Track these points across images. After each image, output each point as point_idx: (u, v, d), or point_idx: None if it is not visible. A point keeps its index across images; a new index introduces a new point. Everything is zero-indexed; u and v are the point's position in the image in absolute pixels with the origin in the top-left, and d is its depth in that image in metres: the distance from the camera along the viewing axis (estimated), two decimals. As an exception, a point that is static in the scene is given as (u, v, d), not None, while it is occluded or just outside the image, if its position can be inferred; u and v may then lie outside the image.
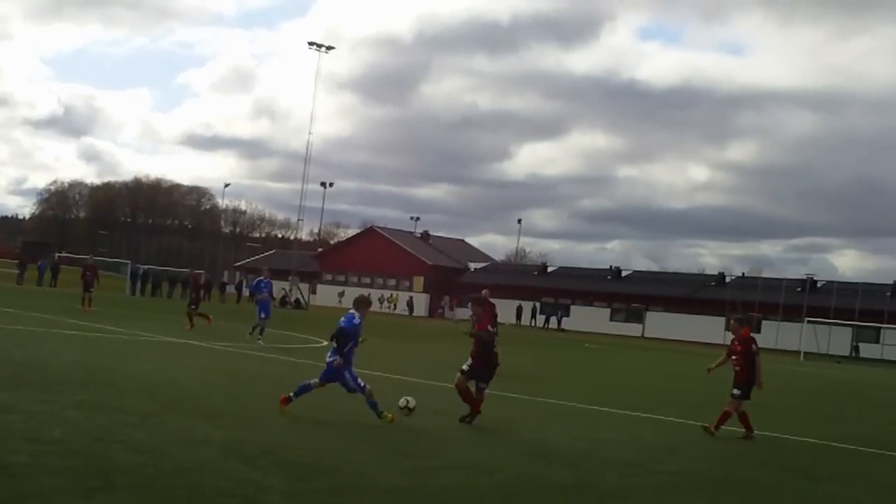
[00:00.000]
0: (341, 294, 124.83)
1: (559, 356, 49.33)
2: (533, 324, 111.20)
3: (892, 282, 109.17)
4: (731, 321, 21.24)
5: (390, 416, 16.61)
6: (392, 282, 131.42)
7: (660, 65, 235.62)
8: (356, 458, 13.31)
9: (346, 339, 16.49)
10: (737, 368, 20.07)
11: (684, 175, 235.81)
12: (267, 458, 12.63)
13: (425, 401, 18.30)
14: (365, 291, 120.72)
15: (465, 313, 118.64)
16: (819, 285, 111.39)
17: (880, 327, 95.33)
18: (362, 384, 16.60)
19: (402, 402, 17.05)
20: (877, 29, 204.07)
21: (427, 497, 11.23)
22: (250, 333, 35.73)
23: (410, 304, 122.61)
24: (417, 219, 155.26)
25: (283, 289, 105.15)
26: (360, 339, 17.12)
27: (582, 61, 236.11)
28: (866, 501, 13.58)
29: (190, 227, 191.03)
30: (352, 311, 17.18)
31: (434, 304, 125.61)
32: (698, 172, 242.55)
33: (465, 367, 18.16)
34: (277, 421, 16.19)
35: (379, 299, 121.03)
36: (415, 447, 14.85)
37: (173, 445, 13.02)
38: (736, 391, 19.83)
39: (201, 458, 12.27)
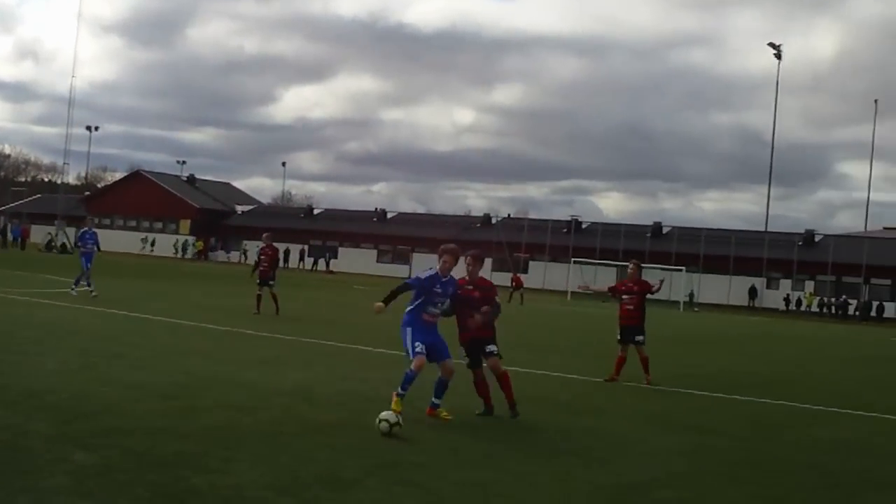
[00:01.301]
0: (145, 240, 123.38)
1: (327, 298, 49.38)
2: (301, 266, 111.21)
3: (651, 223, 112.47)
4: (631, 264, 21.91)
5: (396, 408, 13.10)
6: (159, 225, 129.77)
7: (427, 8, 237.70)
8: (121, 401, 13.08)
9: (404, 289, 13.79)
10: (630, 308, 20.77)
11: (451, 118, 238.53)
12: (29, 403, 12.34)
13: (193, 342, 18.15)
14: (174, 237, 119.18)
15: (234, 256, 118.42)
16: (584, 226, 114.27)
17: (642, 267, 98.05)
18: (414, 352, 13.52)
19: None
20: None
21: (189, 436, 11.10)
22: (76, 285, 34.58)
23: (183, 247, 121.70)
24: (184, 162, 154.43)
25: (49, 233, 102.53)
26: (440, 306, 14.07)
27: (349, 4, 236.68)
28: (621, 429, 14.04)
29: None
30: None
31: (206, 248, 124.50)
32: (465, 115, 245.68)
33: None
34: (42, 366, 15.85)
35: (143, 240, 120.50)
36: (180, 389, 14.71)
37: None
38: (639, 337, 20.65)
39: (-43, 405, 11.95)
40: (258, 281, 32.65)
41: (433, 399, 13.96)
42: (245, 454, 10.36)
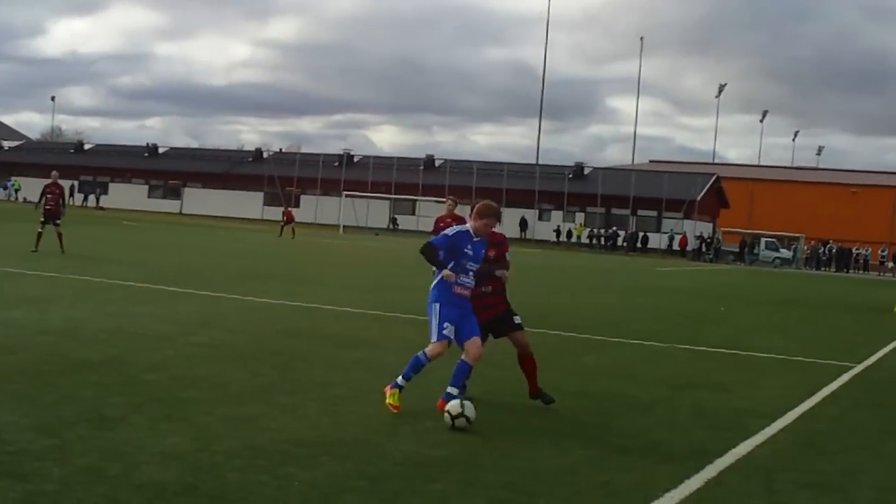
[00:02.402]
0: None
1: (96, 234, 48.39)
2: (72, 202, 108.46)
3: (424, 156, 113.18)
4: (449, 200, 22.87)
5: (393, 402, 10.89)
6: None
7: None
8: None
9: (432, 252, 11.05)
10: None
11: (225, 52, 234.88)
12: None
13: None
14: None
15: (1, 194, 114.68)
16: (356, 160, 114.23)
17: (416, 199, 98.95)
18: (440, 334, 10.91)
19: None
20: None
21: (-52, 380, 10.82)
22: None
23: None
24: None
25: None
26: (472, 275, 11.28)
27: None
28: (392, 361, 14.16)
29: None
30: None
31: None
32: (240, 50, 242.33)
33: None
34: None
35: None
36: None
37: None
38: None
39: None
40: (42, 219, 31.86)
41: (449, 388, 10.76)
42: (6, 395, 10.07)
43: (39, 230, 31.30)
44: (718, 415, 12.06)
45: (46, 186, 32.35)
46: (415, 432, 9.90)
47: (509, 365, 12.72)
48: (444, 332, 10.78)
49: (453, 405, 10.21)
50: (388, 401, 10.66)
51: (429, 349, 10.86)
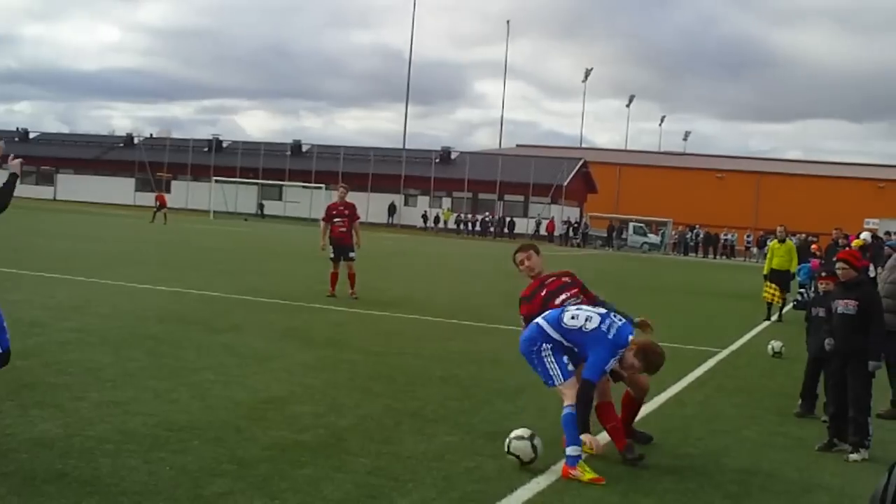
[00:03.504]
0: None
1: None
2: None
3: (291, 141, 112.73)
4: (340, 187, 24.31)
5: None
6: None
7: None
8: None
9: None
10: (342, 230, 22.93)
11: (95, 35, 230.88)
12: None
13: None
14: None
15: None
16: (225, 145, 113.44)
17: (282, 185, 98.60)
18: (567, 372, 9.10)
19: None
20: None
21: None
22: None
23: None
24: None
25: None
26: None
27: None
28: (259, 346, 14.31)
29: None
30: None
31: None
32: (110, 33, 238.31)
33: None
34: None
35: None
36: None
37: None
38: (352, 253, 22.82)
39: None
40: None
41: (571, 449, 8.77)
42: None
43: None
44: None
45: None
46: (283, 417, 9.92)
47: (363, 347, 12.85)
48: (570, 369, 9.07)
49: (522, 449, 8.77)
50: (586, 479, 8.50)
51: (566, 398, 8.93)
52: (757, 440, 10.95)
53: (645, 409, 11.16)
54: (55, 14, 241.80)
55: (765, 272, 25.89)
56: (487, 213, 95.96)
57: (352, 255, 22.87)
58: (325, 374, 12.58)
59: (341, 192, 23.87)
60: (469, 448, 9.29)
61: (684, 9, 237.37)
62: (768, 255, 26.06)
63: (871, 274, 20.07)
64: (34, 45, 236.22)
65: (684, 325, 22.80)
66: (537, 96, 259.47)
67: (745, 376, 15.90)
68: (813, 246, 34.25)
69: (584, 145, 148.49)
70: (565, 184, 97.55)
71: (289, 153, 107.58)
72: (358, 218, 23.61)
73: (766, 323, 24.61)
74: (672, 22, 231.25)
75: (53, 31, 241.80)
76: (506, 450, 8.79)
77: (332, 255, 22.85)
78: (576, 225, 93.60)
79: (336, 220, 23.14)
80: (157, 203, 67.00)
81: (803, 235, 56.75)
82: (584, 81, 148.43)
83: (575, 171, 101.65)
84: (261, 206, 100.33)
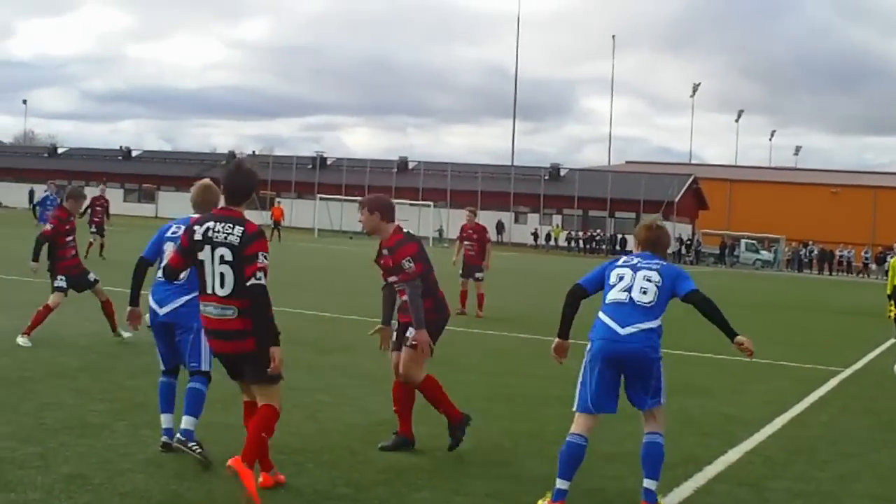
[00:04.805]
0: None
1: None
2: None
3: (398, 158, 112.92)
4: (468, 211, 24.94)
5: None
6: None
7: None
8: None
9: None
10: (472, 253, 24.04)
11: (196, 53, 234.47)
12: None
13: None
14: None
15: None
16: (329, 162, 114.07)
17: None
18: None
19: None
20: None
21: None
22: None
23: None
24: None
25: None
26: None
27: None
28: (371, 367, 14.09)
29: None
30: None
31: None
32: (210, 51, 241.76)
33: None
34: None
35: None
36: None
37: None
38: (479, 273, 23.87)
39: None
40: (93, 230, 33.23)
41: (648, 483, 8.10)
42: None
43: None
44: (705, 421, 12.01)
45: (94, 199, 33.11)
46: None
47: (476, 367, 12.62)
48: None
49: None
50: None
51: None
52: (890, 465, 10.52)
53: (766, 430, 11.11)
54: (157, 34, 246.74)
55: (888, 292, 24.80)
56: (598, 231, 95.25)
57: (478, 275, 23.83)
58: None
59: (469, 216, 24.60)
60: (589, 470, 9.00)
61: (794, 21, 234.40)
62: (890, 274, 25.04)
63: None
64: (137, 64, 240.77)
65: (803, 342, 22.39)
66: (646, 111, 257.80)
67: (872, 397, 15.39)
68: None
69: (693, 161, 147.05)
70: (676, 200, 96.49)
71: (395, 170, 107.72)
72: (489, 240, 24.71)
73: (892, 341, 23.64)
74: (781, 35, 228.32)
75: (156, 51, 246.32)
76: None
77: (461, 273, 23.85)
78: (688, 242, 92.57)
79: (466, 243, 24.33)
80: (273, 220, 67.11)
81: (925, 250, 55.31)
82: (691, 96, 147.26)
83: (686, 187, 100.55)
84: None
